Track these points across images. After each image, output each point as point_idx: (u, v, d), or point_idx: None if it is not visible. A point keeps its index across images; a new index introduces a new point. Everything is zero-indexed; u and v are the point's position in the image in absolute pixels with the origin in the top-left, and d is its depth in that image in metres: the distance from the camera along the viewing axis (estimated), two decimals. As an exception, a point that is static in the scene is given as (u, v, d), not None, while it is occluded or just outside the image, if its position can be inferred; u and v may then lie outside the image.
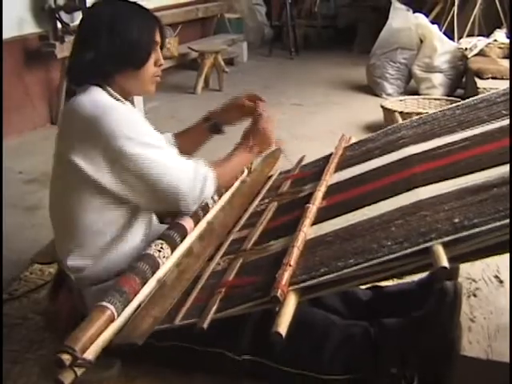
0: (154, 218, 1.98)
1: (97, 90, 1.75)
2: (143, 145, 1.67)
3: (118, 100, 1.78)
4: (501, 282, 1.81)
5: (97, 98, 1.72)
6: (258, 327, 1.57)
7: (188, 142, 2.20)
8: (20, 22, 4.82)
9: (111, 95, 1.77)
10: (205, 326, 1.38)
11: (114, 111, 1.68)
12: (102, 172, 1.68)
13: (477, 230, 1.21)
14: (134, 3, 1.82)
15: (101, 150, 1.66)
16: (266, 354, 1.60)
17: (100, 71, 1.74)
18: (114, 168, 1.67)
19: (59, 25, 4.92)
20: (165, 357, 1.67)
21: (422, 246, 1.25)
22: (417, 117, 2.23)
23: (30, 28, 4.95)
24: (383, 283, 2.03)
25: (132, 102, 1.90)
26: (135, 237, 1.83)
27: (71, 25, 5.04)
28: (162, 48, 1.86)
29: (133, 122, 1.69)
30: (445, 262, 1.16)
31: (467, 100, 2.12)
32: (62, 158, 1.74)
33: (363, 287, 1.97)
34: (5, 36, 4.57)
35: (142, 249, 1.78)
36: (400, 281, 2.18)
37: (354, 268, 1.30)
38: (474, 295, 1.74)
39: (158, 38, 1.81)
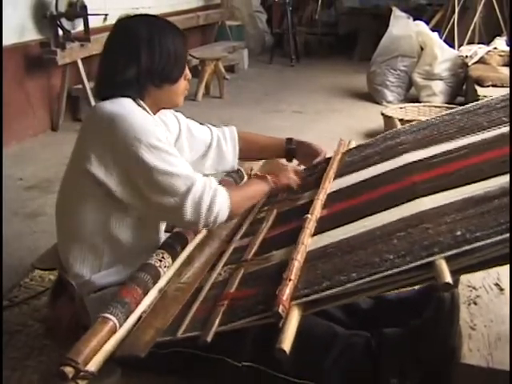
0: (163, 227, 1.97)
1: (127, 100, 1.76)
2: (152, 148, 1.66)
3: (146, 111, 1.79)
4: (501, 289, 1.81)
5: (119, 103, 1.73)
6: (259, 334, 1.56)
7: (255, 149, 2.30)
8: (21, 29, 4.84)
9: (141, 107, 1.79)
10: (208, 339, 1.38)
11: (130, 114, 1.69)
12: (111, 174, 1.70)
13: (479, 244, 1.21)
14: (162, 18, 1.87)
15: (110, 150, 1.68)
16: (267, 361, 1.59)
17: (140, 87, 1.77)
18: (120, 170, 1.69)
19: (60, 32, 4.94)
20: (165, 363, 1.66)
21: (424, 261, 1.23)
22: (416, 122, 2.23)
23: (32, 35, 4.96)
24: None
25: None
26: (142, 245, 1.83)
27: (72, 32, 5.06)
28: None
29: (147, 127, 1.68)
30: (448, 278, 1.15)
31: (466, 106, 2.11)
32: (76, 162, 1.77)
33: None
34: (6, 43, 4.58)
35: (148, 257, 1.78)
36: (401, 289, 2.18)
37: (357, 282, 1.29)
38: (475, 303, 1.74)
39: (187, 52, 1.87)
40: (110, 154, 1.69)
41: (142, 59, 1.74)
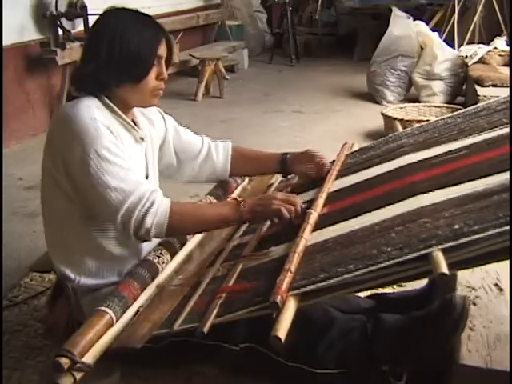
0: None
1: (90, 99, 1.71)
2: (95, 158, 1.61)
3: (113, 112, 1.75)
4: (501, 290, 1.81)
5: (78, 106, 1.67)
6: (253, 320, 1.57)
7: (250, 162, 2.15)
8: (21, 29, 4.84)
9: (107, 106, 1.74)
10: (205, 330, 1.38)
11: (81, 120, 1.63)
12: (63, 179, 1.69)
13: (477, 236, 1.21)
14: (143, 14, 1.77)
15: (60, 155, 1.67)
16: (262, 342, 1.59)
17: (98, 83, 1.70)
18: (68, 175, 1.67)
19: (60, 31, 4.94)
20: (162, 354, 1.67)
21: (421, 252, 1.24)
22: (418, 125, 2.23)
23: (32, 35, 4.97)
24: (384, 291, 2.04)
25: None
26: (130, 244, 1.81)
27: (72, 31, 5.06)
28: (169, 61, 1.81)
29: (95, 135, 1.62)
30: (444, 269, 1.16)
31: (468, 108, 2.12)
32: (44, 166, 1.78)
33: (364, 296, 1.98)
34: (6, 42, 4.58)
35: (138, 257, 1.79)
36: (401, 288, 2.18)
37: (354, 274, 1.30)
38: (474, 304, 1.74)
39: (161, 51, 1.75)
40: (60, 159, 1.67)
41: (101, 55, 1.68)
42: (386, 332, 1.63)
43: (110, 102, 1.74)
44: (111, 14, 1.76)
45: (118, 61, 1.69)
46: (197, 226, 1.73)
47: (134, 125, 1.82)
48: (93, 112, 1.66)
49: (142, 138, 1.85)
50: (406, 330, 1.61)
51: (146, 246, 1.83)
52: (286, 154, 2.11)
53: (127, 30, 1.70)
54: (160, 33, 1.76)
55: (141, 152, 1.87)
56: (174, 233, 1.74)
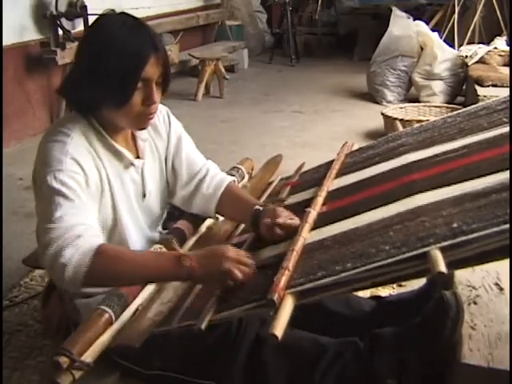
0: (147, 226, 1.85)
1: (77, 118, 1.61)
2: (49, 185, 1.48)
3: (99, 133, 1.63)
4: (501, 289, 1.81)
5: (63, 127, 1.58)
6: (249, 359, 1.55)
7: (229, 205, 1.89)
8: (21, 29, 4.85)
9: (94, 128, 1.62)
10: (203, 327, 1.38)
11: (56, 144, 1.54)
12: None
13: (475, 235, 1.21)
14: (136, 24, 1.56)
15: (33, 170, 1.60)
16: None
17: (79, 101, 1.59)
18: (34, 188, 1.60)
19: (60, 31, 4.94)
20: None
21: (419, 251, 1.24)
22: (418, 124, 2.23)
23: (32, 35, 4.97)
24: (384, 293, 2.04)
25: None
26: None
27: (72, 31, 5.07)
28: (166, 81, 1.61)
29: (59, 164, 1.50)
30: (442, 267, 1.16)
31: (468, 108, 2.12)
32: None
33: (363, 295, 1.97)
34: (6, 42, 4.59)
35: None
36: (401, 289, 2.18)
37: (352, 272, 1.29)
38: (475, 303, 1.74)
39: (149, 73, 1.53)
40: (32, 173, 1.60)
41: (81, 72, 1.55)
42: (385, 346, 1.60)
43: (96, 124, 1.63)
44: (101, 21, 1.58)
45: (95, 81, 1.51)
46: (126, 274, 1.44)
47: (122, 150, 1.69)
48: (68, 141, 1.54)
49: (132, 164, 1.72)
50: (405, 339, 1.60)
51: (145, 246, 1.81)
52: (263, 206, 1.78)
53: (108, 45, 1.51)
54: (148, 49, 1.52)
55: (135, 173, 1.75)
56: (97, 277, 1.42)
